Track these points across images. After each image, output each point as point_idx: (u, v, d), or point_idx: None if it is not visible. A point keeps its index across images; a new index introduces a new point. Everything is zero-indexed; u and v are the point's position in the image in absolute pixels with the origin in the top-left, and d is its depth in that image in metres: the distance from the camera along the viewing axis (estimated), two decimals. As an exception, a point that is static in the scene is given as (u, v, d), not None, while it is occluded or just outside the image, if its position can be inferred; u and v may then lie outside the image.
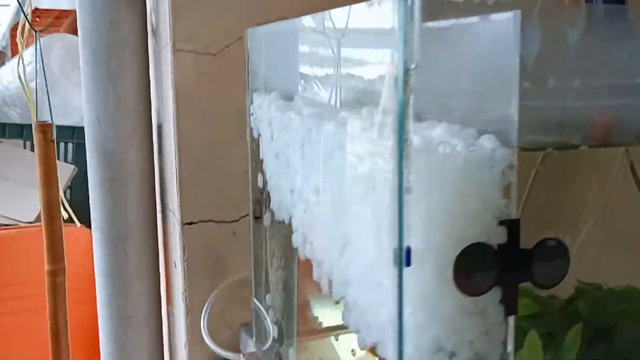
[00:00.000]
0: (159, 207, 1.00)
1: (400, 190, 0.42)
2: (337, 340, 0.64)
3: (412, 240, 0.43)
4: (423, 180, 0.42)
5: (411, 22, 0.39)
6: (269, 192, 0.69)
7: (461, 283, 0.44)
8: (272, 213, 0.68)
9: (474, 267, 0.44)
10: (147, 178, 0.97)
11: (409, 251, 0.43)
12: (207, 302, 0.89)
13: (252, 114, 0.73)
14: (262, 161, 0.71)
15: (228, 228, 0.91)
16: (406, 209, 0.42)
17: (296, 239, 0.61)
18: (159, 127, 0.97)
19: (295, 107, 0.61)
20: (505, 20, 0.44)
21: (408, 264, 0.43)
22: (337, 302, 0.55)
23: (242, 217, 0.91)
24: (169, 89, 0.87)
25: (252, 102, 0.73)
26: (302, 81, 0.61)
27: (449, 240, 0.44)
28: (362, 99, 0.47)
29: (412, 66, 0.40)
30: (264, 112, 0.69)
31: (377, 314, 0.47)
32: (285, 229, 0.67)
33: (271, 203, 0.69)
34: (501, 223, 0.45)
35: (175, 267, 0.93)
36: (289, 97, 0.65)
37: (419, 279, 0.43)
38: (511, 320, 0.46)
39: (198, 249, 0.90)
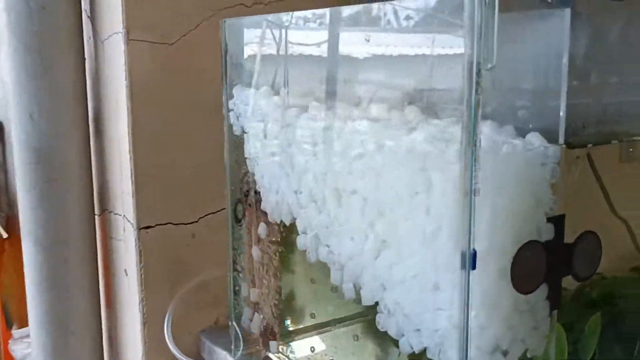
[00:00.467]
0: (96, 210, 0.92)
1: (471, 193, 0.41)
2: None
3: (475, 243, 0.42)
4: (487, 182, 0.41)
5: (490, 18, 0.38)
6: (257, 192, 0.66)
7: (518, 282, 0.44)
8: (264, 214, 0.65)
9: (529, 266, 0.44)
10: (87, 178, 0.89)
11: (474, 254, 0.42)
12: (168, 310, 0.83)
13: (232, 110, 0.69)
14: (246, 160, 0.67)
15: (187, 230, 0.85)
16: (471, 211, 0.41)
17: (304, 242, 0.59)
18: (97, 123, 0.90)
19: (299, 104, 0.58)
20: (554, 17, 0.44)
21: (474, 267, 0.42)
22: (356, 302, 0.54)
23: (200, 217, 0.86)
24: (121, 82, 0.80)
25: (231, 97, 0.69)
26: (309, 78, 0.58)
27: (508, 240, 0.43)
28: (406, 97, 0.46)
29: (489, 66, 0.39)
30: (251, 108, 0.65)
31: (431, 317, 0.45)
32: (283, 231, 0.64)
33: (262, 204, 0.65)
34: (549, 220, 0.45)
35: (127, 275, 0.86)
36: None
37: (481, 281, 0.43)
38: (554, 314, 0.47)
39: (156, 255, 0.84)
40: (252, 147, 0.66)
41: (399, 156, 0.46)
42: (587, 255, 0.48)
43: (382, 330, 0.50)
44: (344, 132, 0.51)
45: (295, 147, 0.59)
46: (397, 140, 0.46)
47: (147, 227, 0.82)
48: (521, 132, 0.46)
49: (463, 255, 0.42)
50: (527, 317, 0.45)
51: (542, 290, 0.46)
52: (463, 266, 0.42)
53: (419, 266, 0.46)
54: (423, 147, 0.44)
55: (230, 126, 0.69)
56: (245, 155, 0.67)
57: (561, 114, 0.44)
